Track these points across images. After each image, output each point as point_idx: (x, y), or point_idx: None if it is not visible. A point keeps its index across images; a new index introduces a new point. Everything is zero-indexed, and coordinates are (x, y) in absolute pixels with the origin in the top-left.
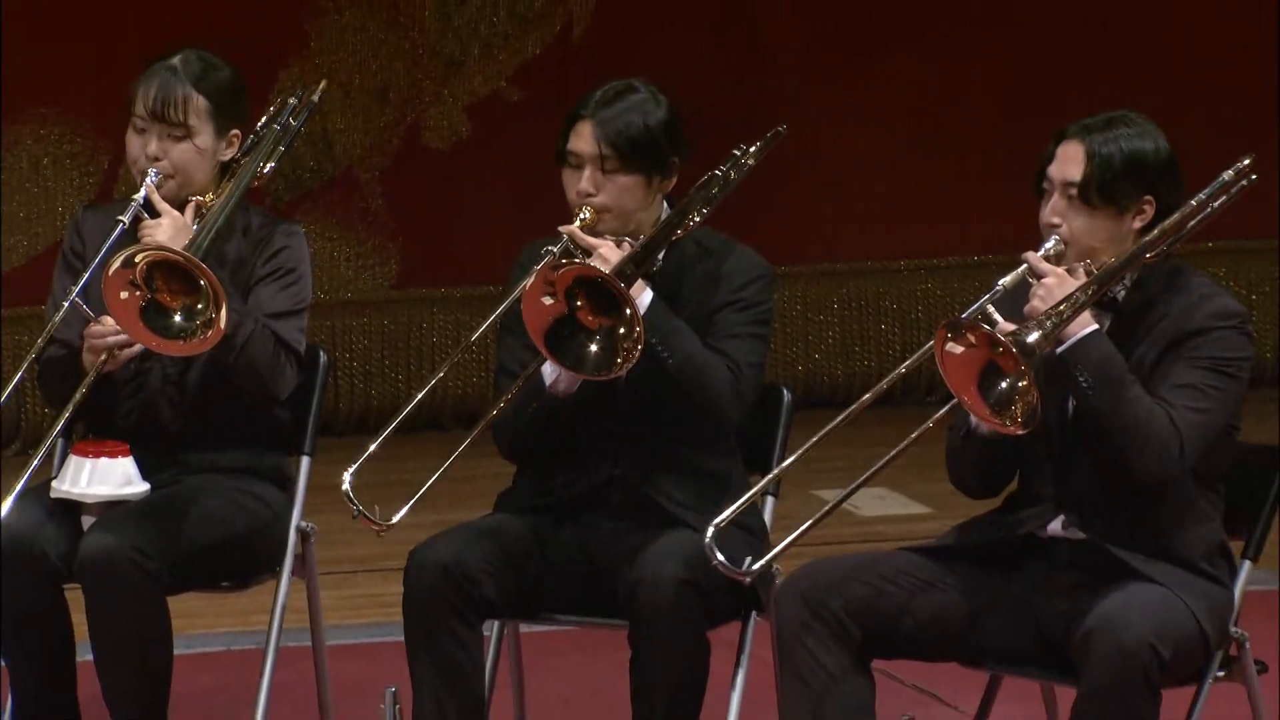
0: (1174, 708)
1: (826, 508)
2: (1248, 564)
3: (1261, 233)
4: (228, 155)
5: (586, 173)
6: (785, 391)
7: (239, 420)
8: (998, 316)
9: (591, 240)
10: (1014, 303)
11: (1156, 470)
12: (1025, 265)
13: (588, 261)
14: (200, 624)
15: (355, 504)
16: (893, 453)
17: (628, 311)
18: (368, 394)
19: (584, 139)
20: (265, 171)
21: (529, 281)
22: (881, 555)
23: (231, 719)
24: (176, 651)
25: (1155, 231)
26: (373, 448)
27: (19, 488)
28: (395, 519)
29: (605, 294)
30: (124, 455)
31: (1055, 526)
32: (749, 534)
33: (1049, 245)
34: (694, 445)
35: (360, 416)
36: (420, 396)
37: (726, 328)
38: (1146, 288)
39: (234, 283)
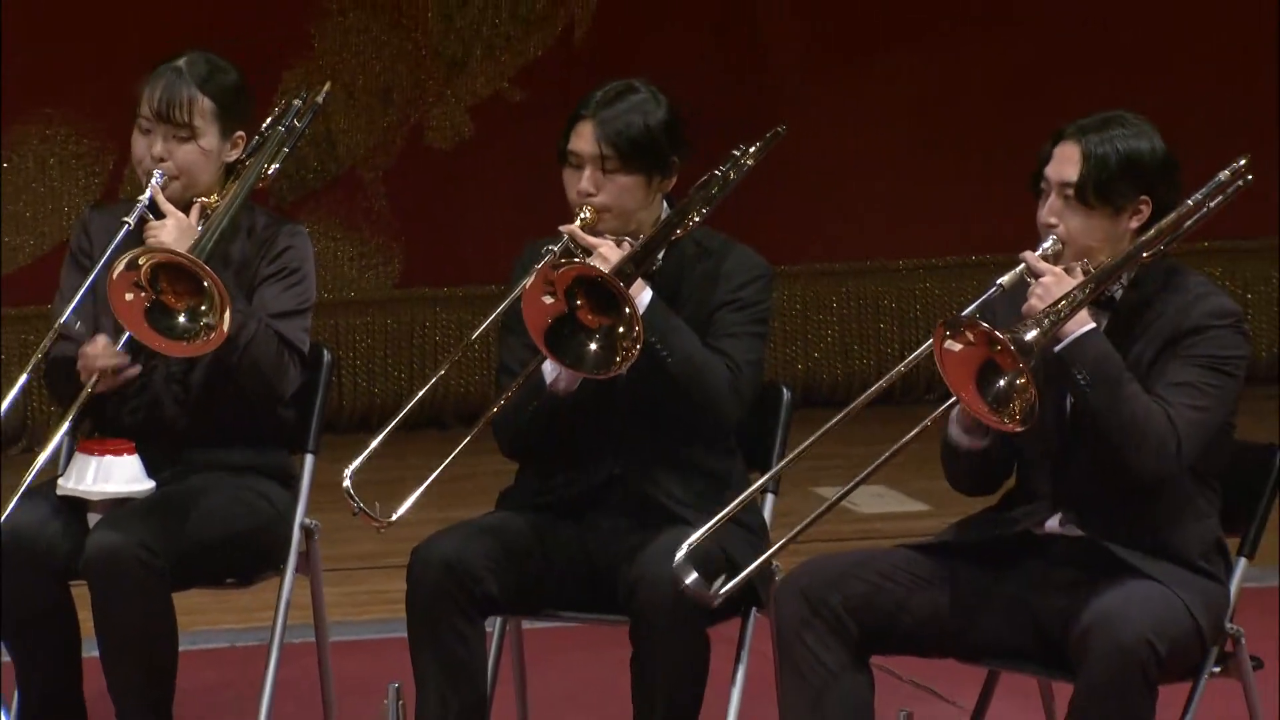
0: (1170, 703)
1: (816, 512)
2: (1243, 561)
3: (1258, 232)
4: (233, 156)
5: (587, 172)
6: (785, 390)
7: (243, 418)
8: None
9: (592, 240)
10: (1012, 302)
11: (1154, 468)
12: (1023, 265)
13: (588, 261)
14: (205, 620)
15: (356, 501)
16: (888, 453)
17: (627, 311)
18: (371, 392)
19: (585, 139)
20: (270, 172)
21: (529, 280)
22: (880, 552)
23: (236, 715)
24: (181, 647)
25: (1152, 231)
26: (374, 445)
27: (24, 485)
28: (395, 516)
29: (605, 293)
30: (129, 453)
31: (1052, 524)
32: (748, 531)
33: (1047, 245)
34: (694, 444)
35: (364, 415)
36: (421, 394)
37: (725, 327)
38: (1143, 286)
39: (239, 283)
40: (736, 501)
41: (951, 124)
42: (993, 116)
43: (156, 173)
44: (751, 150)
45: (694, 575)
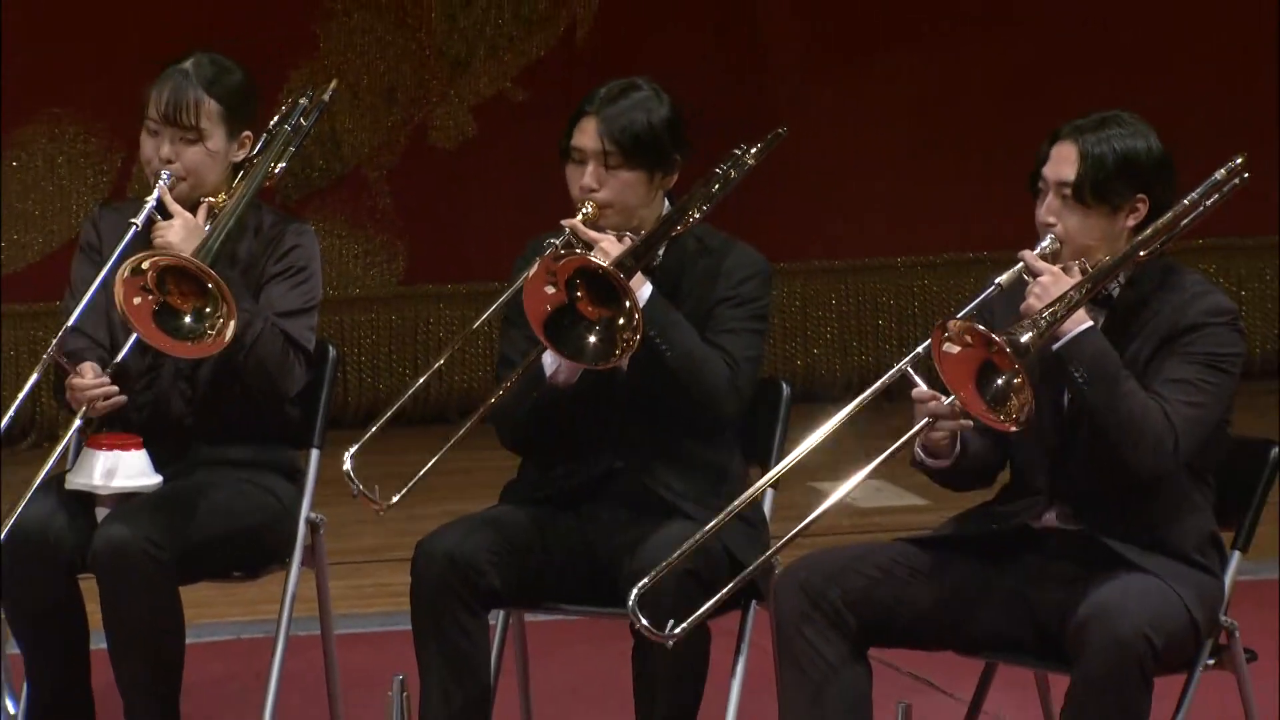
0: (1165, 695)
1: (808, 519)
2: (1237, 554)
3: (1255, 231)
4: (239, 156)
5: (590, 168)
6: (784, 386)
7: (250, 415)
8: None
9: (593, 234)
10: (1011, 300)
11: (1151, 464)
12: (1021, 263)
13: (589, 254)
14: (211, 613)
15: (355, 483)
16: (885, 453)
17: (627, 304)
18: (375, 388)
19: (588, 135)
20: (276, 171)
21: (531, 271)
22: (879, 546)
23: (242, 706)
24: (188, 640)
25: (1149, 230)
26: (374, 429)
27: (35, 484)
28: (395, 499)
29: (605, 285)
30: (137, 448)
31: (1049, 518)
32: (749, 525)
33: (1045, 244)
34: (693, 437)
35: (368, 410)
36: (423, 382)
37: (724, 323)
38: (1140, 285)
39: (245, 281)
40: (731, 507)
41: (951, 124)
42: (992, 116)
43: (164, 174)
44: (753, 150)
45: (643, 620)
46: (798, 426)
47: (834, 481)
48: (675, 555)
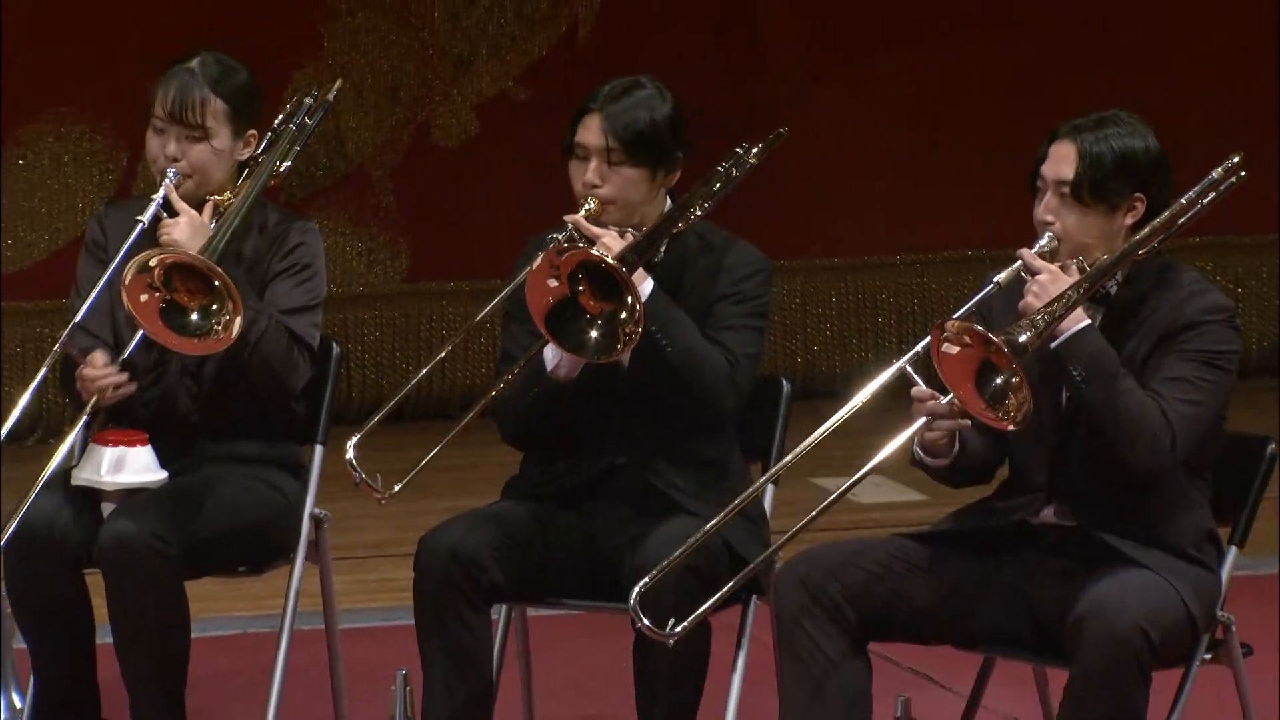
0: (1162, 689)
1: (808, 517)
2: (1234, 550)
3: (1251, 229)
4: (244, 155)
5: (593, 164)
6: (784, 382)
7: (254, 411)
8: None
9: (595, 230)
10: (1009, 298)
11: (1149, 462)
12: (1020, 262)
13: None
14: (217, 608)
15: (358, 472)
16: (884, 452)
17: (629, 298)
18: (379, 384)
19: (591, 131)
20: (281, 170)
21: (535, 263)
22: (878, 541)
23: (247, 700)
24: (194, 634)
25: (1146, 229)
26: (376, 418)
27: (43, 479)
28: (397, 488)
29: (608, 280)
30: (143, 444)
31: (1048, 514)
32: (749, 521)
33: (1043, 242)
34: (694, 433)
35: (372, 406)
36: (425, 374)
37: (725, 319)
38: (1138, 283)
39: (250, 278)
40: (733, 505)
41: (950, 123)
42: (992, 116)
43: (170, 172)
44: (754, 150)
45: (645, 621)
46: (797, 423)
47: (833, 478)
48: (677, 554)
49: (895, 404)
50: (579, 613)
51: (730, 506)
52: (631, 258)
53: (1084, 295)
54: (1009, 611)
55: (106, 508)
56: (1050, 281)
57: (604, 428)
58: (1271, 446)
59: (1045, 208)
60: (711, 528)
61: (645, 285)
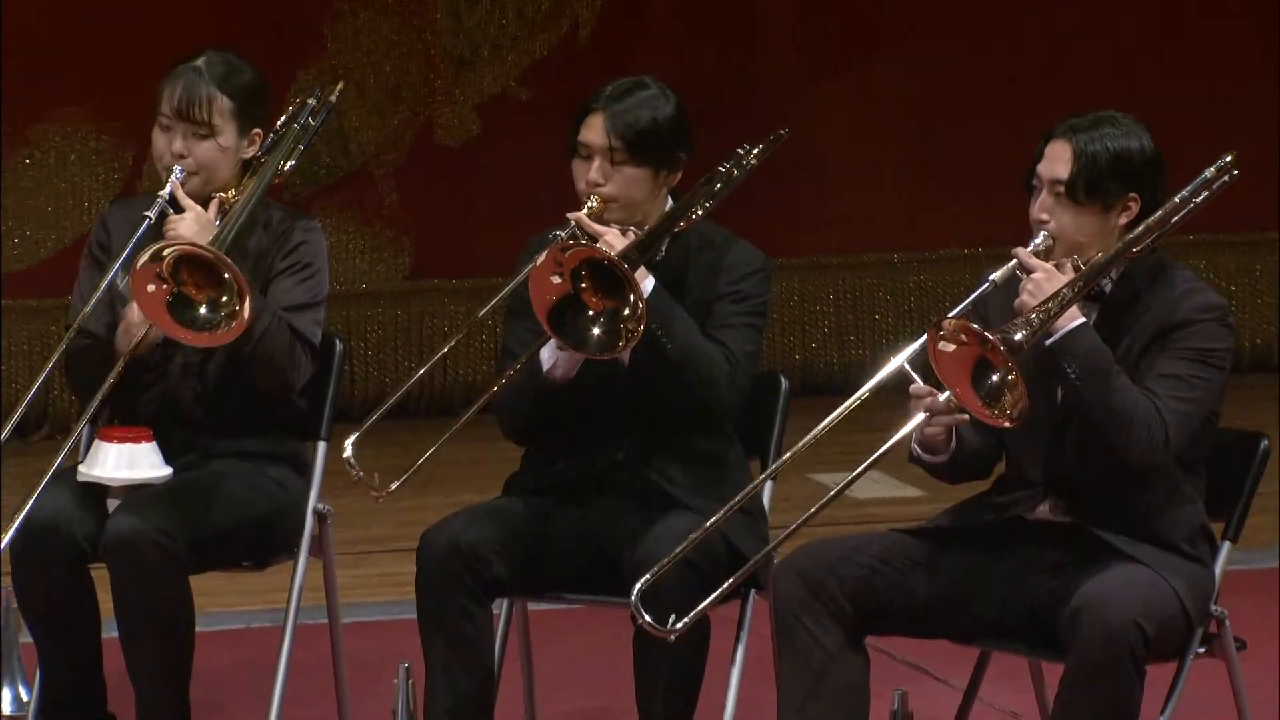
0: (1157, 683)
1: (806, 514)
2: (1227, 544)
3: (1243, 227)
4: (250, 153)
5: (596, 163)
6: (783, 379)
7: (258, 407)
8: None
9: (598, 228)
10: (1005, 296)
11: (1143, 458)
12: (1015, 260)
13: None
14: (221, 603)
15: (355, 469)
16: (882, 449)
17: (631, 296)
18: (382, 381)
19: (594, 130)
20: (286, 169)
21: (539, 260)
22: (876, 536)
23: (251, 694)
24: (198, 629)
25: (1140, 228)
26: (376, 416)
27: (49, 475)
28: (394, 485)
29: (610, 277)
30: (147, 440)
31: (1043, 510)
32: (748, 516)
33: (1038, 241)
34: (694, 430)
35: (374, 403)
36: (426, 370)
37: (724, 318)
38: (1132, 281)
39: (254, 276)
40: (732, 503)
41: (949, 123)
42: (990, 116)
43: (176, 169)
44: (755, 151)
45: (646, 617)
46: (796, 420)
47: (831, 474)
48: (677, 551)
49: (893, 400)
50: (579, 606)
51: (730, 503)
52: (634, 256)
53: (1079, 293)
54: (1005, 606)
55: (112, 503)
56: (1045, 280)
57: (605, 424)
58: (1264, 442)
59: (1040, 206)
60: (712, 524)
61: (647, 283)
